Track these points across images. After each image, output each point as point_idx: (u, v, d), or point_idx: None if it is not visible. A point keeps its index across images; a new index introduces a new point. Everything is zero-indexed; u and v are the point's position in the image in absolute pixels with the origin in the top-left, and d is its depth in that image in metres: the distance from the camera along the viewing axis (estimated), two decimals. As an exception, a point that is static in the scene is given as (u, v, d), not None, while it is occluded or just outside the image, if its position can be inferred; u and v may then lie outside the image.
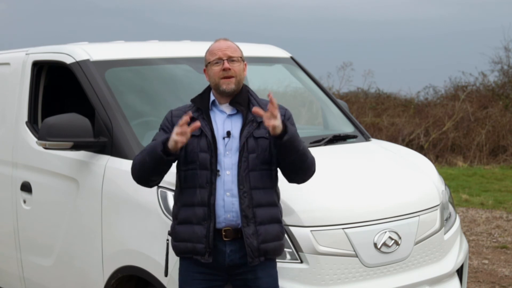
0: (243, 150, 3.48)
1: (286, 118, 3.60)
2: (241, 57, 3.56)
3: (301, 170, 3.54)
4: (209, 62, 3.55)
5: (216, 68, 3.51)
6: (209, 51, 3.58)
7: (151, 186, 3.67)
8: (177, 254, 3.57)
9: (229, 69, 3.49)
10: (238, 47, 3.60)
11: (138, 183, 3.60)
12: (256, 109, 3.35)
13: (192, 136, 3.46)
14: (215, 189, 3.46)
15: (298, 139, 3.44)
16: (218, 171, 3.47)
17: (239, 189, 3.46)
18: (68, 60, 4.76)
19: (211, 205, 3.45)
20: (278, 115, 3.32)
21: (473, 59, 28.46)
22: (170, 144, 3.34)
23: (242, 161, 3.47)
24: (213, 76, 3.53)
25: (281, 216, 3.60)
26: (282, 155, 3.47)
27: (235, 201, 3.47)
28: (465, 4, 43.25)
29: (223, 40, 3.62)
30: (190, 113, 3.37)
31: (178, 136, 3.32)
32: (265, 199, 3.51)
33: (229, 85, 3.50)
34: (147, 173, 3.51)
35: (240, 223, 3.47)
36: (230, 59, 3.51)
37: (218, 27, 37.91)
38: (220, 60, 3.51)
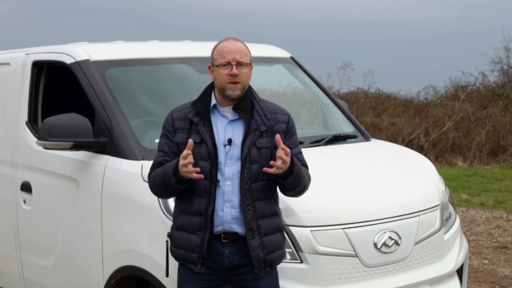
0: (245, 160, 3.43)
1: (289, 127, 3.56)
2: (249, 61, 3.49)
3: (296, 195, 3.59)
4: (217, 64, 3.47)
5: (224, 72, 3.44)
6: (218, 50, 3.49)
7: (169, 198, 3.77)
8: (174, 258, 3.58)
9: (237, 75, 3.43)
10: (247, 49, 3.51)
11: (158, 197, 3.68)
12: (278, 138, 3.33)
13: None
14: (213, 200, 3.43)
15: (300, 176, 3.43)
16: (219, 181, 3.44)
17: (242, 202, 3.42)
18: (68, 60, 4.76)
19: (208, 216, 3.42)
20: (288, 161, 3.32)
21: (473, 59, 28.50)
22: (183, 175, 3.33)
23: (244, 172, 3.42)
24: (220, 79, 3.46)
25: (281, 223, 3.59)
26: (279, 186, 3.50)
27: (235, 212, 3.44)
28: (465, 4, 43.27)
29: (233, 40, 3.52)
30: (191, 142, 3.31)
31: (185, 168, 3.29)
32: (268, 210, 3.48)
33: (234, 91, 3.44)
34: (164, 195, 3.57)
35: (239, 231, 3.46)
36: (239, 64, 3.44)
37: (218, 27, 37.93)
38: (229, 64, 3.44)
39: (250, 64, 3.52)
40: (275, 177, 3.40)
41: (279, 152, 3.30)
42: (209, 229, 3.43)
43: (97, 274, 4.31)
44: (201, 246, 3.43)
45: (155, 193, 3.55)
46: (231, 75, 3.42)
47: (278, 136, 3.33)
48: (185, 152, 3.30)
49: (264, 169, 3.35)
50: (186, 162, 3.28)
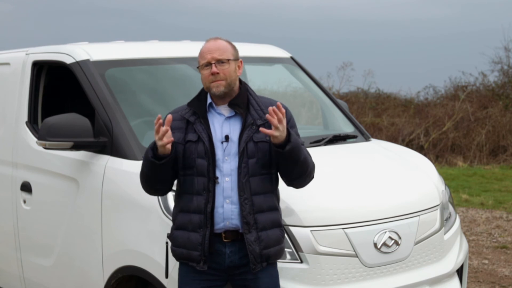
0: (243, 155, 3.43)
1: (287, 119, 3.57)
2: (232, 58, 3.49)
3: (300, 177, 3.53)
4: (199, 66, 3.51)
5: (206, 72, 3.47)
6: (200, 53, 3.53)
7: (161, 195, 3.70)
8: (175, 258, 3.57)
9: (218, 73, 3.44)
10: (229, 46, 3.52)
11: (148, 193, 3.64)
12: (269, 116, 3.30)
13: (189, 141, 3.45)
14: (212, 196, 3.43)
15: (300, 148, 3.39)
16: (217, 178, 3.44)
17: (240, 196, 3.42)
18: (68, 60, 4.76)
19: (207, 213, 3.42)
20: (284, 123, 3.29)
21: (473, 59, 28.52)
22: (159, 149, 3.35)
23: (242, 167, 3.42)
24: (203, 80, 3.50)
25: (281, 218, 3.59)
26: (281, 163, 3.44)
27: (235, 208, 3.44)
28: (465, 4, 43.29)
29: (213, 40, 3.54)
30: (168, 117, 3.32)
31: (160, 141, 3.31)
32: (266, 204, 3.48)
33: (218, 88, 3.46)
34: (151, 183, 3.53)
35: (240, 228, 3.46)
36: (219, 62, 3.46)
37: (218, 27, 37.95)
38: (209, 64, 3.46)
39: (237, 59, 3.52)
40: (273, 146, 3.36)
41: (270, 113, 3.27)
42: (209, 226, 3.43)
43: (97, 274, 4.31)
44: (202, 244, 3.43)
45: (142, 182, 3.55)
46: (212, 74, 3.44)
47: (268, 113, 3.31)
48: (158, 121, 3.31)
49: (261, 128, 3.32)
50: (163, 130, 3.28)
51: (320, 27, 40.93)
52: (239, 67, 3.54)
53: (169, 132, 3.33)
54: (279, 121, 3.28)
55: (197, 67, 3.52)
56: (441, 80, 25.25)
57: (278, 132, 3.30)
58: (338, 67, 21.19)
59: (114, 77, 4.67)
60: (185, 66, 5.03)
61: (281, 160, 3.42)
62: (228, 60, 3.47)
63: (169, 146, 3.34)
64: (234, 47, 3.54)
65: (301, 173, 3.49)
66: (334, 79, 29.07)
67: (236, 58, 3.53)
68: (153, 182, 3.53)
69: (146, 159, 3.44)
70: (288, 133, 3.34)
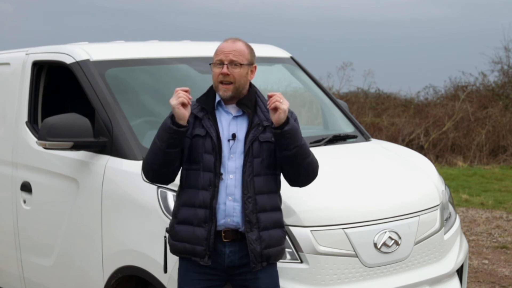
0: (248, 154, 3.44)
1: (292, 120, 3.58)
2: (245, 62, 3.48)
3: (302, 169, 3.50)
4: (212, 63, 3.51)
5: (217, 70, 3.48)
6: (216, 50, 3.53)
7: (163, 183, 3.66)
8: (174, 253, 3.57)
9: (228, 74, 3.45)
10: (246, 50, 3.51)
11: (152, 180, 3.60)
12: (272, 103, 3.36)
13: (197, 136, 3.46)
14: (217, 192, 3.44)
15: (299, 133, 3.43)
16: (222, 174, 3.45)
17: (243, 194, 3.43)
18: (68, 60, 4.76)
19: (213, 208, 3.43)
20: (284, 104, 3.34)
21: (473, 59, 28.54)
22: (177, 116, 3.37)
23: (247, 166, 3.44)
24: (213, 77, 3.51)
25: (283, 219, 3.59)
26: (281, 147, 3.43)
27: (237, 206, 3.45)
28: (465, 4, 43.32)
29: (232, 40, 3.54)
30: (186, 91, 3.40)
31: (177, 106, 3.35)
32: (269, 204, 3.49)
33: (225, 92, 3.47)
34: (159, 160, 3.45)
35: (241, 226, 3.46)
36: (232, 63, 3.46)
37: (218, 27, 37.96)
38: (222, 63, 3.47)
39: (251, 64, 3.52)
40: (272, 129, 3.40)
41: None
42: (214, 222, 3.44)
43: (97, 274, 4.31)
44: (207, 239, 3.43)
45: (147, 165, 3.52)
46: (222, 74, 3.44)
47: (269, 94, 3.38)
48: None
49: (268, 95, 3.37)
50: (181, 90, 3.37)
51: (320, 27, 40.96)
52: (252, 71, 3.55)
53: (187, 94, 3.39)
54: (278, 100, 3.33)
55: (210, 64, 3.53)
56: (441, 80, 25.26)
57: (283, 110, 3.34)
58: (338, 67, 21.22)
59: (114, 77, 4.67)
60: (185, 66, 5.03)
61: (281, 143, 3.41)
62: (241, 64, 3.47)
63: (186, 114, 3.37)
64: (251, 52, 3.54)
65: (301, 162, 3.47)
66: (334, 79, 29.06)
67: (251, 63, 3.53)
68: (163, 159, 3.44)
69: (165, 130, 3.40)
70: (287, 119, 3.39)
